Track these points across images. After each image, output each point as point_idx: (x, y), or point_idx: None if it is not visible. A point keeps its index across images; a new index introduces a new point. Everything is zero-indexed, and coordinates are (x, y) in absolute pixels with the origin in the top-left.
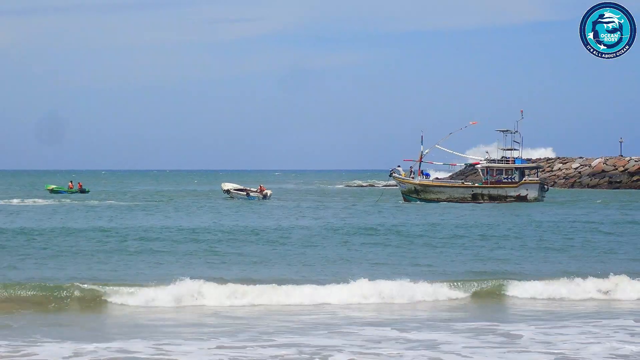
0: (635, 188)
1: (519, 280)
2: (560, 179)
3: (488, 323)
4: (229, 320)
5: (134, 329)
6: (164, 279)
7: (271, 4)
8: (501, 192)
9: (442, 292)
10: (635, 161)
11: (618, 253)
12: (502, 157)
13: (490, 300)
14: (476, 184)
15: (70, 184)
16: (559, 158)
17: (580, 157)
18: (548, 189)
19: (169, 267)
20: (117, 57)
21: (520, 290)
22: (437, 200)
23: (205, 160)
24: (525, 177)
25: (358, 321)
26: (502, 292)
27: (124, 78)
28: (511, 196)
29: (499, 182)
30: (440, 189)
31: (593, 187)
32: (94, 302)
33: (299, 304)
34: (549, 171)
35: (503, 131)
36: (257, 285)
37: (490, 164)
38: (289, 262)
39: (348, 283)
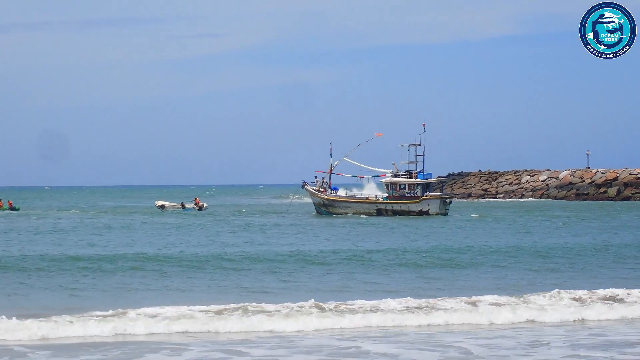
0: (602, 199)
1: None
2: (528, 191)
3: None
4: None
5: None
6: None
7: (235, 21)
8: (404, 207)
9: None
10: (602, 173)
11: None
12: (406, 171)
13: None
14: (381, 199)
15: None
16: (526, 170)
17: (548, 170)
18: (451, 202)
19: None
20: (83, 76)
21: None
22: (345, 214)
23: (175, 175)
24: (427, 192)
25: None
26: None
27: (94, 96)
28: (413, 211)
29: (402, 196)
30: (347, 204)
31: (561, 199)
32: None
33: None
34: (516, 183)
35: (405, 145)
36: None
37: (393, 179)
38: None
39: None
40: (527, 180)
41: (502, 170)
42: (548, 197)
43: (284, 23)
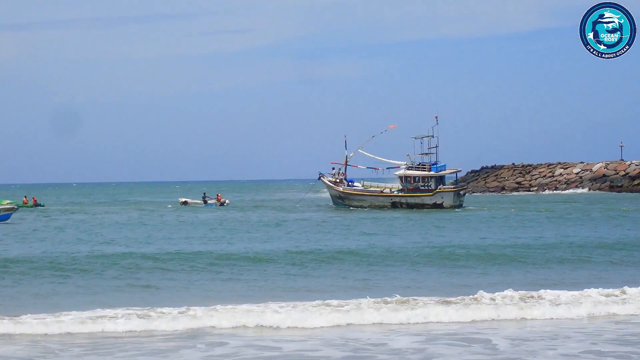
0: (636, 192)
1: None
2: (562, 184)
3: None
4: None
5: None
6: None
7: (259, 17)
8: (418, 200)
9: None
10: (636, 165)
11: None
12: (419, 163)
13: None
14: (395, 192)
15: (24, 198)
16: (560, 163)
17: (581, 162)
18: (465, 194)
19: None
20: (108, 73)
21: None
22: (361, 207)
23: (207, 171)
24: (441, 185)
25: None
26: None
27: (121, 92)
28: (428, 204)
29: (416, 189)
30: (362, 197)
31: (595, 191)
32: None
33: None
34: (550, 176)
35: (418, 138)
36: None
37: (407, 172)
38: None
39: None
40: (560, 173)
41: (535, 163)
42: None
43: (310, 17)
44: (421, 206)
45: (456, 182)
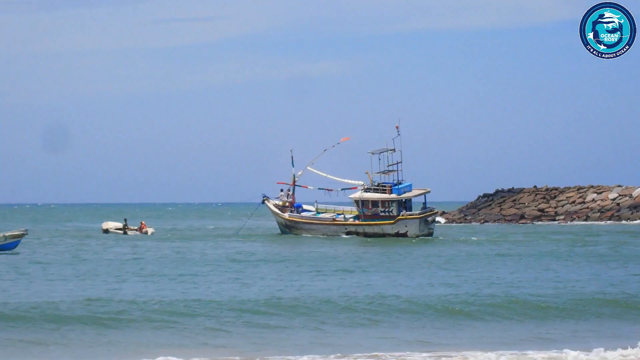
0: None
1: None
2: (595, 212)
3: None
4: None
5: None
6: None
7: (232, 3)
8: (377, 229)
9: None
10: None
11: None
12: (379, 184)
13: None
14: (351, 219)
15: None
16: (592, 187)
17: (619, 186)
18: (434, 220)
19: None
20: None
21: None
22: (310, 236)
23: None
24: (404, 212)
25: None
26: None
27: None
28: (389, 234)
29: (375, 216)
30: (312, 226)
31: (635, 221)
32: None
33: None
34: (580, 202)
35: (375, 153)
36: None
37: (363, 195)
38: None
39: None
40: (593, 199)
41: (562, 187)
42: (619, 218)
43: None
44: (382, 236)
45: (424, 206)
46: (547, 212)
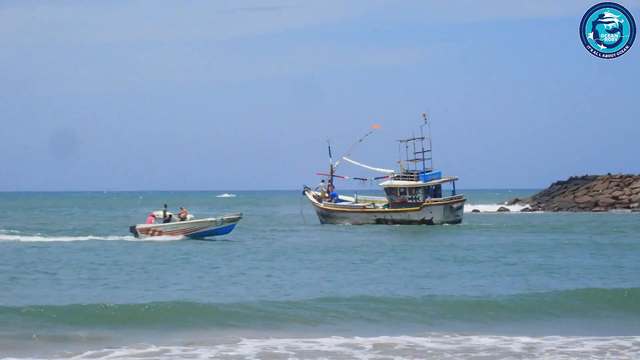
0: None
1: None
2: (635, 203)
3: None
4: None
5: None
6: None
7: None
8: (404, 216)
9: None
10: None
11: None
12: (406, 172)
13: None
14: (381, 207)
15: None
16: (633, 176)
17: None
18: (460, 207)
19: None
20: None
21: None
22: (343, 224)
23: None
24: (429, 198)
25: None
26: None
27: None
28: (415, 221)
29: (403, 203)
30: (344, 214)
31: None
32: None
33: None
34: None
35: (404, 141)
36: None
37: (392, 183)
38: None
39: None
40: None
41: (636, 174)
42: None
43: None
44: (408, 223)
45: (454, 193)
46: (621, 199)
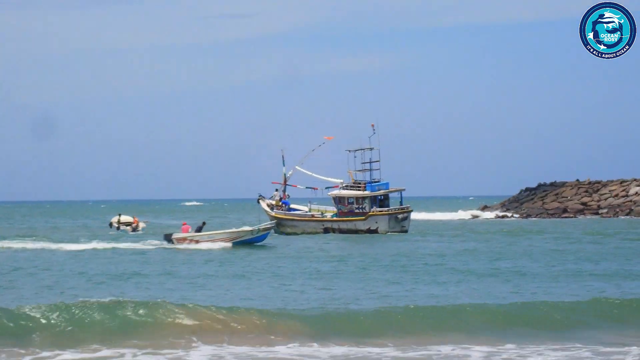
0: None
1: None
2: (638, 206)
3: None
4: None
5: None
6: None
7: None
8: (350, 225)
9: None
10: None
11: None
12: (354, 182)
13: None
14: (329, 217)
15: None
16: (635, 180)
17: None
18: (406, 218)
19: None
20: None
21: None
22: (294, 233)
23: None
24: (374, 207)
25: None
26: None
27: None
28: (362, 230)
29: (350, 212)
30: (294, 223)
31: None
32: None
33: None
34: (623, 196)
35: (352, 151)
36: None
37: (340, 192)
38: None
39: None
40: (636, 192)
41: (605, 180)
42: None
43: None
44: (355, 232)
45: (401, 203)
46: (590, 205)
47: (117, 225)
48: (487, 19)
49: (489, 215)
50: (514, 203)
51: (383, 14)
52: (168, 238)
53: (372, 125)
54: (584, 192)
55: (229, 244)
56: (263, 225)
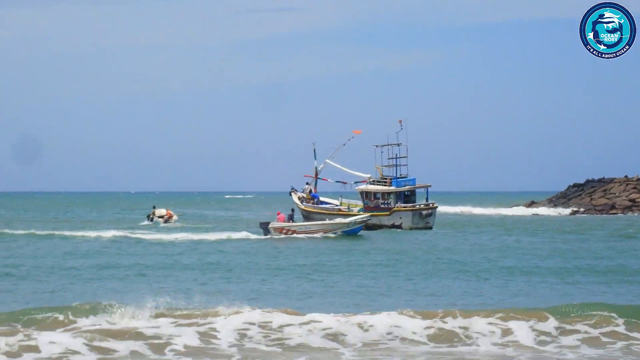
0: None
1: None
2: None
3: None
4: None
5: None
6: None
7: None
8: (376, 220)
9: None
10: None
11: None
12: (382, 177)
13: None
14: (356, 211)
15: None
16: None
17: None
18: (431, 214)
19: None
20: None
21: None
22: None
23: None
24: (399, 203)
25: None
26: None
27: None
28: (386, 225)
29: (376, 207)
30: (321, 216)
31: None
32: None
33: None
34: None
35: (380, 146)
36: None
37: (368, 187)
38: None
39: None
40: None
41: None
42: None
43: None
44: (379, 227)
45: (427, 200)
46: (638, 202)
47: (151, 218)
48: (526, 15)
49: (548, 211)
50: (561, 199)
51: (415, 11)
52: (265, 227)
53: (400, 121)
54: (633, 188)
55: (333, 235)
56: (359, 218)
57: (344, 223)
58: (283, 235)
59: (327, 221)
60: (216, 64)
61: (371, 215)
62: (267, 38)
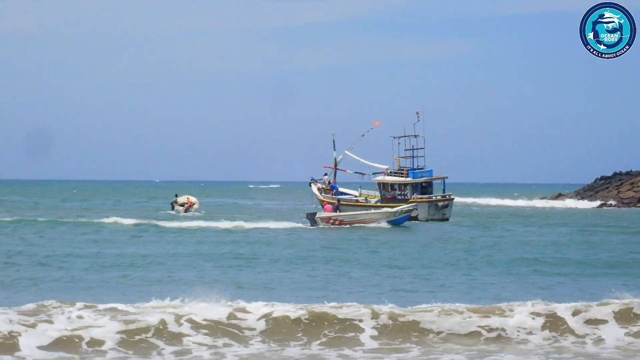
0: None
1: None
2: None
3: None
4: None
5: None
6: None
7: None
8: None
9: None
10: None
11: None
12: (399, 168)
13: None
14: (373, 202)
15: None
16: None
17: None
18: (447, 206)
19: None
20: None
21: None
22: None
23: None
24: (415, 194)
25: None
26: None
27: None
28: None
29: (393, 199)
30: (341, 207)
31: None
32: None
33: None
34: None
35: (397, 137)
36: None
37: (385, 178)
38: None
39: None
40: None
41: None
42: None
43: None
44: None
45: (444, 191)
46: None
47: (172, 206)
48: (552, 7)
49: (578, 204)
50: (588, 191)
51: (433, 2)
52: (311, 218)
53: (417, 113)
54: None
55: (388, 225)
56: (405, 207)
57: (391, 212)
58: (331, 225)
59: (373, 211)
60: (233, 53)
61: (388, 207)
62: (293, 27)
